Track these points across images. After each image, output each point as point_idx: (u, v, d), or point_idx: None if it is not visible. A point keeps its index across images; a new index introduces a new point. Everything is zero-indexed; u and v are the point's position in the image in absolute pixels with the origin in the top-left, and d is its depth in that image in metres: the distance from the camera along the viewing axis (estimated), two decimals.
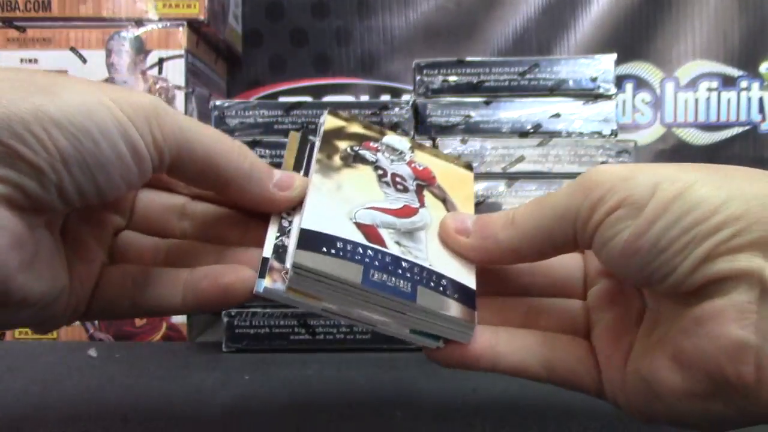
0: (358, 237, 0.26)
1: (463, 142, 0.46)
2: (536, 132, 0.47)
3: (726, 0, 0.65)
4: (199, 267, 0.27)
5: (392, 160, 0.30)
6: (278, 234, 0.27)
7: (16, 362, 0.45)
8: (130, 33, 0.53)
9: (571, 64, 0.47)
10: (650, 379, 0.22)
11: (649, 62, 0.66)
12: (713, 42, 0.65)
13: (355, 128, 0.31)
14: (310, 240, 0.25)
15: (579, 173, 0.46)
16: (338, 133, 0.30)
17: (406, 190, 0.29)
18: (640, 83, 0.66)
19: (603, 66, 0.47)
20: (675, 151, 0.65)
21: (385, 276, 0.25)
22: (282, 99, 0.66)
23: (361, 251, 0.25)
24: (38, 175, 0.20)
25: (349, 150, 0.30)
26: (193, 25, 0.54)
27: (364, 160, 0.30)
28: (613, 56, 0.48)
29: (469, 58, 0.48)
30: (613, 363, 0.25)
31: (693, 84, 0.66)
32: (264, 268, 0.25)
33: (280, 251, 0.26)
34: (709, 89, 0.66)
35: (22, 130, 0.20)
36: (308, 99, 0.66)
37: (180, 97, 0.53)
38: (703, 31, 0.66)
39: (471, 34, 0.67)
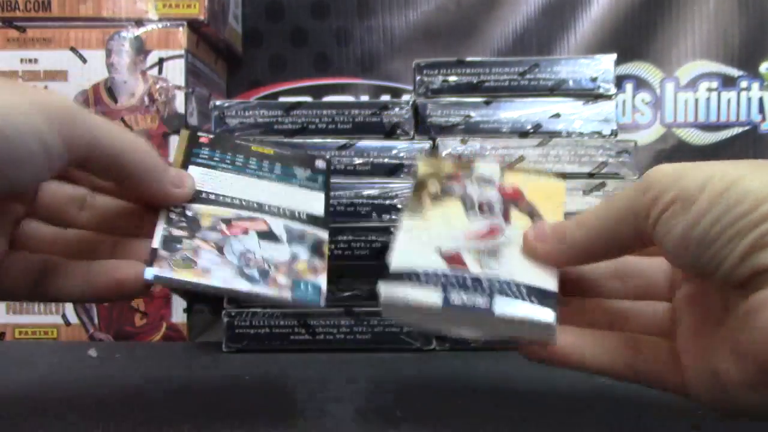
0: (441, 265, 0.28)
1: (463, 142, 0.46)
2: (536, 132, 0.47)
3: (726, 0, 0.65)
4: (97, 261, 0.29)
5: (482, 188, 0.32)
6: (166, 225, 0.30)
7: (16, 362, 0.45)
8: (130, 33, 0.53)
9: (571, 64, 0.47)
10: (715, 371, 0.23)
11: (649, 62, 0.66)
12: (713, 42, 0.65)
13: (447, 168, 0.33)
14: (396, 276, 0.28)
15: (579, 173, 0.46)
16: (430, 176, 0.33)
17: (492, 212, 0.31)
18: (640, 83, 0.66)
19: (603, 66, 0.47)
20: (675, 151, 0.66)
21: (464, 296, 0.27)
22: (282, 99, 0.66)
23: (441, 276, 0.28)
24: None
25: (438, 191, 0.32)
26: (193, 25, 0.54)
27: (451, 195, 0.32)
28: (613, 56, 0.48)
29: (469, 58, 0.48)
30: (695, 359, 0.26)
31: (693, 84, 0.66)
32: (153, 257, 0.28)
33: (167, 241, 0.29)
34: (709, 89, 0.66)
35: None
36: (308, 99, 0.66)
37: (180, 97, 0.53)
38: (703, 31, 0.66)
39: (471, 34, 0.67)
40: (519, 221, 0.31)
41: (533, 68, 0.48)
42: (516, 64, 0.48)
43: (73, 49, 0.53)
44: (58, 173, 0.26)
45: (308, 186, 0.35)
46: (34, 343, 0.50)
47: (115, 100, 0.53)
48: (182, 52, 0.53)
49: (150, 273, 0.28)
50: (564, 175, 0.34)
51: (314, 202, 0.35)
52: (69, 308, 0.51)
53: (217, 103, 0.47)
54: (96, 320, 0.51)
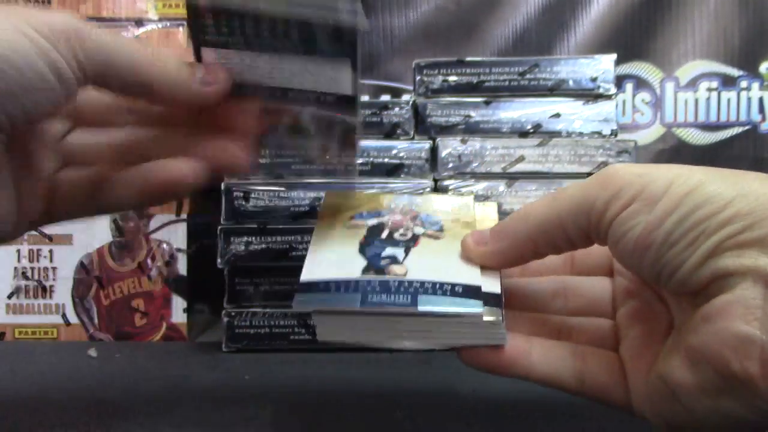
0: (356, 274, 0.27)
1: (463, 142, 0.46)
2: (536, 132, 0.47)
3: (726, 0, 0.65)
4: (148, 163, 0.28)
5: (392, 215, 0.32)
6: None
7: (16, 362, 0.45)
8: (130, 33, 0.53)
9: (571, 64, 0.47)
10: (666, 378, 0.23)
11: (649, 62, 0.66)
12: (713, 42, 0.65)
13: (354, 201, 0.33)
14: (308, 287, 0.27)
15: (579, 173, 0.46)
16: (338, 207, 0.33)
17: (405, 236, 0.30)
18: (640, 83, 0.66)
19: (603, 66, 0.47)
20: (675, 151, 0.65)
21: (384, 296, 0.26)
22: None
23: (358, 284, 0.27)
24: None
25: (348, 219, 0.32)
26: None
27: (361, 222, 0.31)
28: (613, 56, 0.48)
29: (469, 58, 0.48)
30: (640, 372, 0.25)
31: (693, 84, 0.66)
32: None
33: None
34: (709, 89, 0.66)
35: None
36: None
37: None
38: (703, 31, 0.65)
39: (471, 34, 0.67)
40: (452, 231, 0.30)
41: (533, 68, 0.48)
42: (516, 64, 0.48)
43: None
44: (75, 95, 0.25)
45: (333, 56, 0.29)
46: (34, 343, 0.50)
47: None
48: (182, 52, 0.53)
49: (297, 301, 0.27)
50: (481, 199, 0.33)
51: (341, 78, 0.29)
52: (69, 308, 0.51)
53: None
54: (96, 320, 0.51)
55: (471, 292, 0.26)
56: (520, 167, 0.46)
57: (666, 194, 0.22)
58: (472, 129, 0.47)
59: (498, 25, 0.67)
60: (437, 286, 0.26)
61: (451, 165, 0.46)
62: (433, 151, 0.46)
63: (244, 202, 0.45)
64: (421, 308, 0.25)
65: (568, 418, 0.33)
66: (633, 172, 0.23)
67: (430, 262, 0.28)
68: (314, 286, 0.27)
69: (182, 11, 0.53)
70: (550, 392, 0.27)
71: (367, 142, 0.46)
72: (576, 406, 0.34)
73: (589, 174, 0.46)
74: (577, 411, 0.33)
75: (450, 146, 0.46)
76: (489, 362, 0.27)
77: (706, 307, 0.21)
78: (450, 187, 0.46)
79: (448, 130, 0.47)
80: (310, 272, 0.28)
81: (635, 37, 0.66)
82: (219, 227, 0.45)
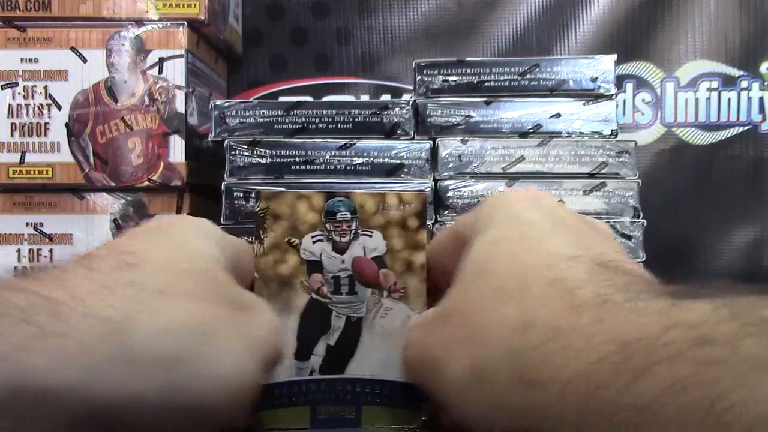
0: (304, 366, 0.28)
1: (463, 142, 0.46)
2: (536, 132, 0.47)
3: (726, 0, 0.65)
4: None
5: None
6: None
7: None
8: (131, 33, 0.53)
9: (571, 65, 0.47)
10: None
11: (649, 62, 0.66)
12: (713, 42, 0.65)
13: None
14: (267, 397, 0.26)
15: (579, 173, 0.46)
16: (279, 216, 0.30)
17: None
18: (641, 83, 0.66)
19: (603, 66, 0.47)
20: (675, 151, 0.65)
21: (331, 408, 0.27)
22: (282, 99, 0.66)
23: (308, 386, 0.27)
24: None
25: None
26: (193, 25, 0.54)
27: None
28: (614, 56, 0.48)
29: (469, 59, 0.48)
30: None
31: (693, 84, 0.66)
32: None
33: None
34: (710, 89, 0.66)
35: None
36: (309, 99, 0.66)
37: (180, 96, 0.53)
38: (704, 31, 0.65)
39: (471, 34, 0.67)
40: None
41: (533, 68, 0.48)
42: (516, 64, 0.48)
43: (73, 49, 0.53)
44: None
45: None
46: None
47: (116, 100, 0.53)
48: (182, 51, 0.53)
49: None
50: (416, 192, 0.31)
51: None
52: None
53: (217, 102, 0.47)
54: None
55: (409, 395, 0.27)
56: (520, 167, 0.46)
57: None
58: (472, 129, 0.47)
59: (498, 25, 0.67)
60: (378, 388, 0.27)
61: (451, 165, 0.46)
62: (433, 151, 0.46)
63: (244, 202, 0.45)
64: (365, 426, 0.27)
65: None
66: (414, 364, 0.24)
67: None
68: (271, 393, 0.27)
69: (182, 11, 0.53)
70: None
71: (367, 142, 0.46)
72: None
73: (589, 174, 0.46)
74: None
75: (450, 146, 0.46)
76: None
77: None
78: (450, 188, 0.46)
79: (448, 130, 0.47)
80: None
81: (635, 37, 0.66)
82: (219, 227, 0.45)
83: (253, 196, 0.45)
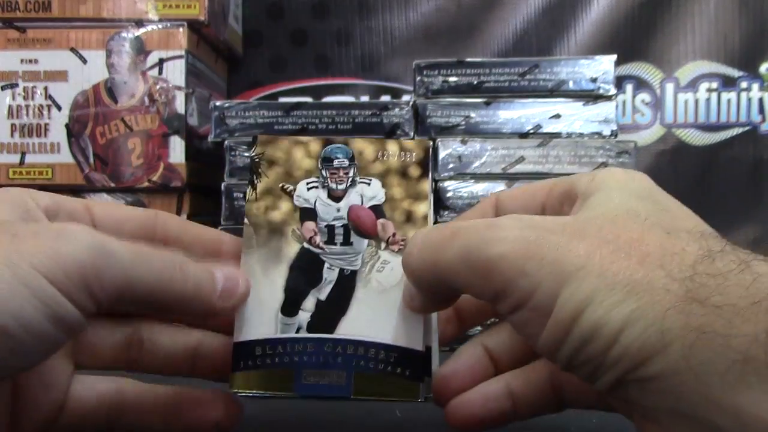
0: (291, 323, 0.26)
1: (463, 142, 0.46)
2: (536, 133, 0.47)
3: (726, 0, 0.65)
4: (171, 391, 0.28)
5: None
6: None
7: None
8: (131, 33, 0.53)
9: (571, 65, 0.47)
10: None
11: (649, 63, 0.66)
12: (713, 42, 0.65)
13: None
14: (243, 356, 0.25)
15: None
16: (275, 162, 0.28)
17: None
18: (640, 84, 0.66)
19: (603, 67, 0.47)
20: (675, 152, 0.65)
21: (318, 376, 0.25)
22: (282, 99, 0.66)
23: (294, 347, 0.25)
24: None
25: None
26: (193, 26, 0.54)
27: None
28: (613, 57, 0.48)
29: (469, 59, 0.48)
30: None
31: (693, 84, 0.66)
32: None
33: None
34: (709, 90, 0.66)
35: None
36: (308, 99, 0.66)
37: (180, 97, 0.53)
38: (703, 32, 0.66)
39: (471, 34, 0.67)
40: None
41: (533, 69, 0.48)
42: (516, 65, 0.48)
43: (73, 50, 0.53)
44: (84, 329, 0.22)
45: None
46: None
47: (115, 101, 0.53)
48: (182, 52, 0.53)
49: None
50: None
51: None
52: None
53: (218, 103, 0.47)
54: None
55: (408, 362, 0.25)
56: (520, 168, 0.46)
57: (552, 315, 0.20)
58: (472, 130, 0.47)
59: (498, 25, 0.67)
60: (372, 353, 0.25)
61: (451, 166, 0.46)
62: (433, 151, 0.46)
63: (244, 202, 0.45)
64: (355, 396, 0.25)
65: (567, 417, 0.33)
66: (515, 264, 0.21)
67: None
68: (250, 352, 0.25)
69: (182, 11, 0.53)
70: None
71: None
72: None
73: None
74: (575, 412, 0.33)
75: (450, 147, 0.46)
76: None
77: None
78: (449, 188, 0.46)
79: (448, 130, 0.47)
80: (244, 331, 0.25)
81: (635, 37, 0.66)
82: (219, 227, 0.45)
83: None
